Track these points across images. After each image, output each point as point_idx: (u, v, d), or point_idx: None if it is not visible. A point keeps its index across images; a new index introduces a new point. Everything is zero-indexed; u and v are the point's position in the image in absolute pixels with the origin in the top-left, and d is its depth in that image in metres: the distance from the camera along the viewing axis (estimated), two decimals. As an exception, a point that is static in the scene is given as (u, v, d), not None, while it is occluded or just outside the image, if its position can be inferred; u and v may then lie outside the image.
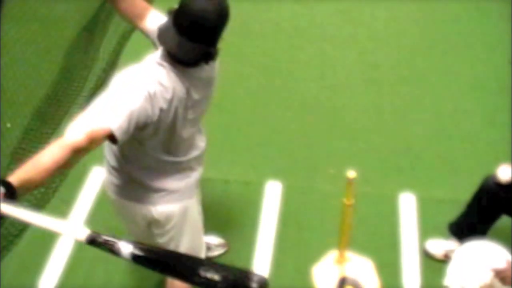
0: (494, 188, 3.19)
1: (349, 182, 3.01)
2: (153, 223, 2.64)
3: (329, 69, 4.87)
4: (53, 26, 5.06)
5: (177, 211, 2.60)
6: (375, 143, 4.22)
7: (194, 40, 2.20)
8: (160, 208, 2.57)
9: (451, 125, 4.35)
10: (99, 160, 3.98)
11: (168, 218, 2.60)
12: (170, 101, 2.26)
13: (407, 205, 3.81)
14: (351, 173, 2.99)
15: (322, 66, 4.91)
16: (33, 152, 4.02)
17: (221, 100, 4.55)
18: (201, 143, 2.63)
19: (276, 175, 4.00)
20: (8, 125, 4.18)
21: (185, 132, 2.45)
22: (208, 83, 2.47)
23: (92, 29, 4.88)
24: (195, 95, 2.38)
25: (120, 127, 2.10)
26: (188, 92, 2.33)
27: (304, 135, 4.31)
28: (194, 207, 2.71)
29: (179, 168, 2.54)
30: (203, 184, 3.91)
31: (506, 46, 4.89)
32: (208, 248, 3.47)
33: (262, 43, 5.13)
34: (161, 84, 2.23)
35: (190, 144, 2.54)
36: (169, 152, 2.46)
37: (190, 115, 2.42)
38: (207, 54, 2.27)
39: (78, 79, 4.58)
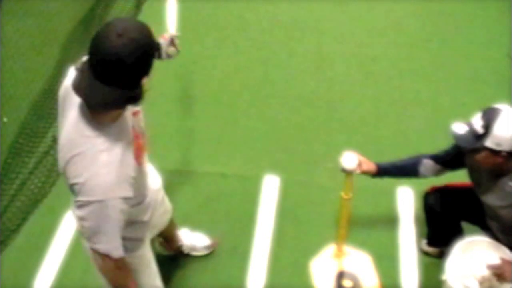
0: (428, 204, 3.21)
1: (347, 176, 3.01)
2: None
3: (326, 63, 4.86)
4: (50, 20, 5.05)
5: None
6: (373, 136, 4.21)
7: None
8: None
9: (449, 118, 4.29)
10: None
11: None
12: (61, 96, 2.18)
13: (405, 199, 3.81)
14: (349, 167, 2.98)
15: (320, 59, 4.89)
16: (30, 146, 4.05)
17: (218, 93, 4.57)
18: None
19: (273, 169, 4.00)
20: (5, 119, 4.18)
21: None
22: (64, 146, 2.10)
23: (89, 23, 4.87)
24: (61, 133, 2.15)
25: None
26: (64, 113, 2.14)
27: (302, 128, 4.30)
28: None
29: None
30: (201, 178, 3.96)
31: (505, 39, 4.88)
32: (193, 248, 3.47)
33: (259, 36, 5.11)
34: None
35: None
36: None
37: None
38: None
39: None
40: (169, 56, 2.84)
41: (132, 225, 2.45)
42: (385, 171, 3.08)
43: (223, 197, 3.84)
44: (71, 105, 2.09)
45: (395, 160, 3.13)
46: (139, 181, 2.25)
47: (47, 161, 3.98)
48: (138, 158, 2.22)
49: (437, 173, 3.04)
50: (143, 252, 2.62)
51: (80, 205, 2.04)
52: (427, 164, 3.02)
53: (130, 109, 2.21)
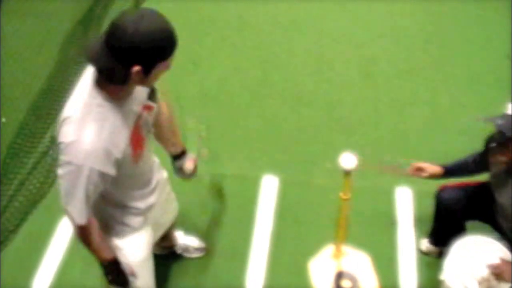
0: (444, 202, 3.18)
1: (346, 176, 3.00)
2: None
3: (326, 63, 4.86)
4: (49, 20, 5.05)
5: None
6: (371, 137, 4.21)
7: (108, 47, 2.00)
8: None
9: (448, 119, 4.34)
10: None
11: None
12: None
13: (404, 199, 3.81)
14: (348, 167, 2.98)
15: (319, 60, 4.89)
16: (28, 147, 4.05)
17: (218, 94, 4.57)
18: None
19: (272, 169, 3.99)
20: (4, 119, 4.18)
21: None
22: (66, 106, 2.18)
23: (87, 23, 4.87)
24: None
25: None
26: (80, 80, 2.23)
27: (301, 129, 4.30)
28: None
29: None
30: (200, 178, 3.95)
31: (504, 40, 4.88)
32: (186, 249, 3.46)
33: (259, 36, 5.11)
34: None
35: None
36: None
37: None
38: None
39: (73, 73, 4.57)
40: (182, 171, 2.89)
41: (124, 208, 2.50)
42: (450, 172, 3.10)
43: (222, 197, 3.84)
44: (87, 74, 2.17)
45: (458, 160, 3.13)
46: (130, 167, 2.31)
47: (46, 161, 3.98)
48: (135, 148, 2.27)
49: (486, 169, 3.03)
50: (134, 241, 2.62)
51: (61, 164, 2.13)
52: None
53: (141, 97, 2.26)
